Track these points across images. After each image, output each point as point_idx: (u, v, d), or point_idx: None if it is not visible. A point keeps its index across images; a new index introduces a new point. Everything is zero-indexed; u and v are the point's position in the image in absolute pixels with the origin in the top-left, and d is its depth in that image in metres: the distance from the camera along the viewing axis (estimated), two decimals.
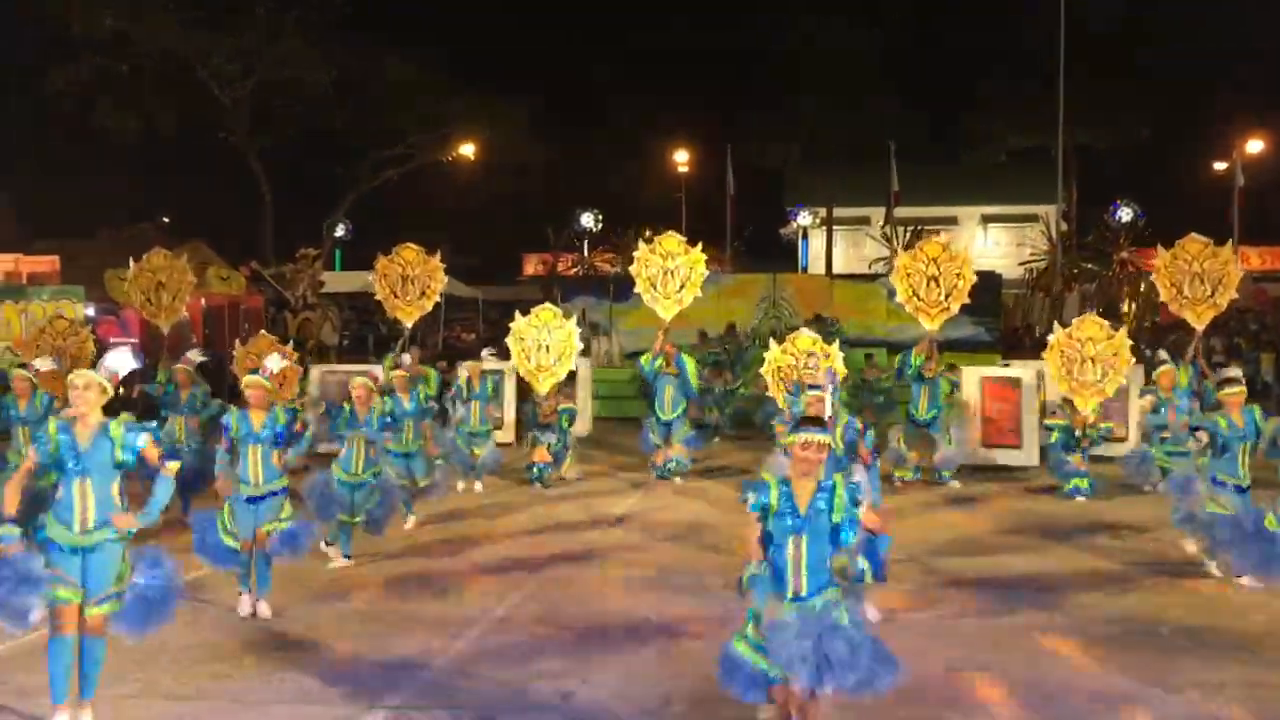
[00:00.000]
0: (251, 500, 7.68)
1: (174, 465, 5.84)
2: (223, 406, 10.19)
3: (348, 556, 9.23)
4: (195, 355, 12.05)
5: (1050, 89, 29.71)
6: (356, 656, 6.93)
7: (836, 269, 35.78)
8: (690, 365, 13.53)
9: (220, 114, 31.84)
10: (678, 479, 13.42)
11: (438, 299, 14.93)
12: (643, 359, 13.69)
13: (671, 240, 13.96)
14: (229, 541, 7.65)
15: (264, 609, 7.70)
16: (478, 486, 12.82)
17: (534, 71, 40.22)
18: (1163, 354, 12.47)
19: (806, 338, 11.63)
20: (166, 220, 41.58)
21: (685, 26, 41.27)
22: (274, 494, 7.74)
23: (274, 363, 8.17)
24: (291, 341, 16.08)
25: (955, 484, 13.18)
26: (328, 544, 9.13)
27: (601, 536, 10.61)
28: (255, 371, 7.97)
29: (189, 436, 11.39)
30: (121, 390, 12.20)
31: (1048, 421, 13.00)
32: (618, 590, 8.55)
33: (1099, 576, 8.97)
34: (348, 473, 9.19)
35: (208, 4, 29.14)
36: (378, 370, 10.50)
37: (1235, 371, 9.03)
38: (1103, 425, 12.77)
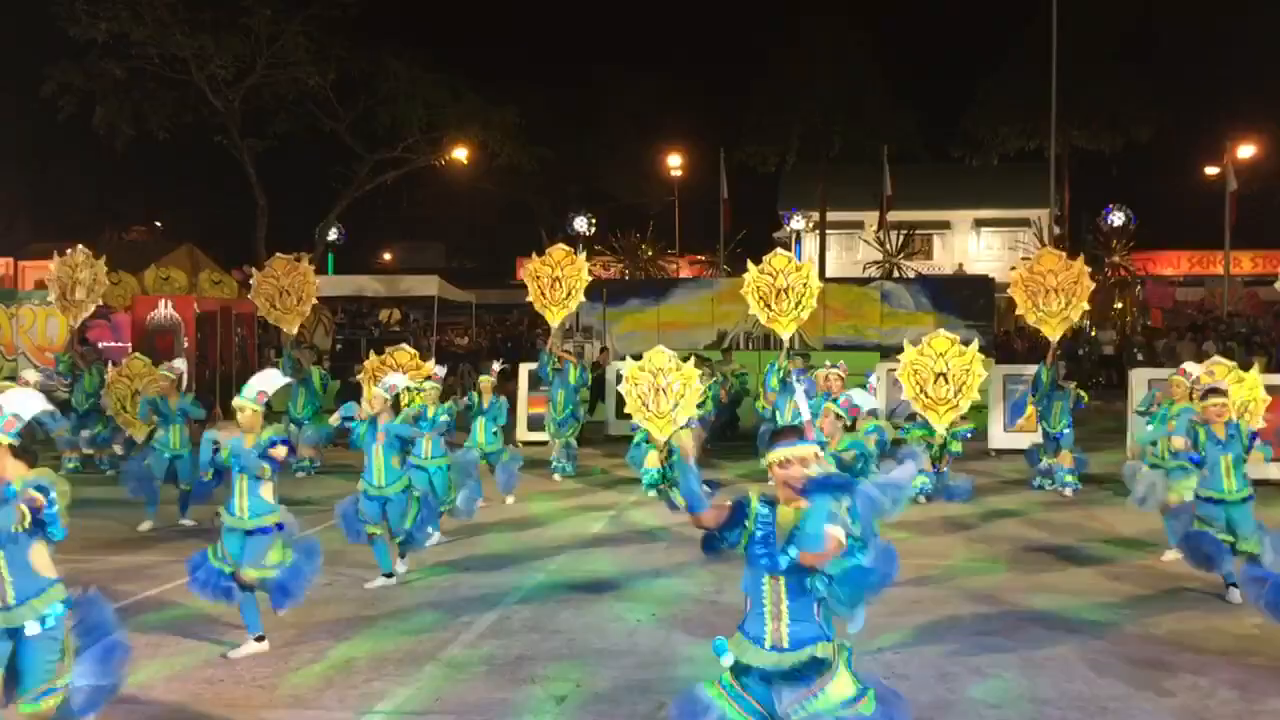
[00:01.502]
0: (234, 532, 7.09)
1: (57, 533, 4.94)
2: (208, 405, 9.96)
3: (388, 575, 8.76)
4: (179, 364, 12.09)
5: (1050, 90, 29.75)
6: (350, 660, 6.93)
7: (830, 273, 35.80)
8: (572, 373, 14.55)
9: (215, 116, 31.72)
10: (556, 477, 14.10)
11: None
12: (540, 361, 14.94)
13: (559, 251, 15.27)
14: (221, 566, 7.07)
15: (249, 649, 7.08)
16: (509, 500, 12.32)
17: (533, 72, 40.32)
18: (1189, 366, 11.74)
19: (944, 338, 12.61)
20: (159, 224, 41.55)
21: (684, 27, 41.44)
22: (261, 531, 7.05)
23: (269, 383, 7.45)
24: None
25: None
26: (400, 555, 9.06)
27: (595, 541, 10.62)
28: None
29: (184, 444, 11.43)
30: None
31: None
32: (612, 594, 8.55)
33: (1091, 583, 8.98)
34: (373, 485, 8.74)
35: (207, 5, 29.04)
36: (398, 378, 10.17)
37: (1221, 382, 8.92)
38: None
